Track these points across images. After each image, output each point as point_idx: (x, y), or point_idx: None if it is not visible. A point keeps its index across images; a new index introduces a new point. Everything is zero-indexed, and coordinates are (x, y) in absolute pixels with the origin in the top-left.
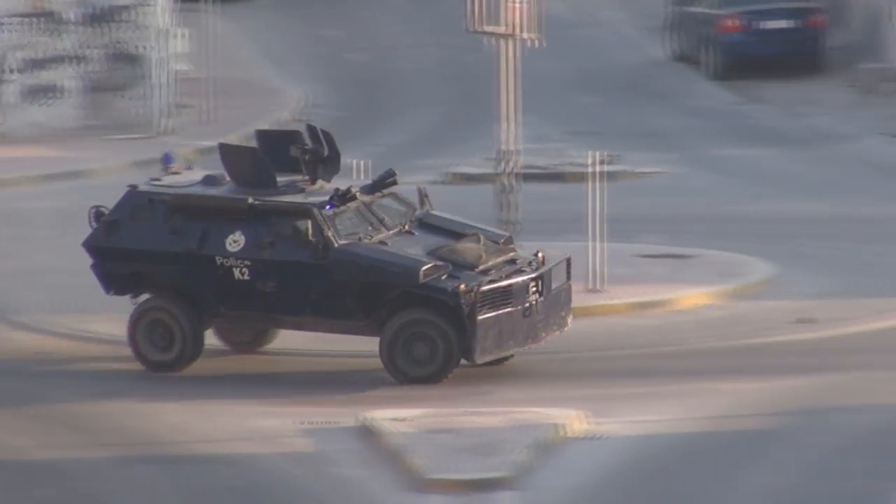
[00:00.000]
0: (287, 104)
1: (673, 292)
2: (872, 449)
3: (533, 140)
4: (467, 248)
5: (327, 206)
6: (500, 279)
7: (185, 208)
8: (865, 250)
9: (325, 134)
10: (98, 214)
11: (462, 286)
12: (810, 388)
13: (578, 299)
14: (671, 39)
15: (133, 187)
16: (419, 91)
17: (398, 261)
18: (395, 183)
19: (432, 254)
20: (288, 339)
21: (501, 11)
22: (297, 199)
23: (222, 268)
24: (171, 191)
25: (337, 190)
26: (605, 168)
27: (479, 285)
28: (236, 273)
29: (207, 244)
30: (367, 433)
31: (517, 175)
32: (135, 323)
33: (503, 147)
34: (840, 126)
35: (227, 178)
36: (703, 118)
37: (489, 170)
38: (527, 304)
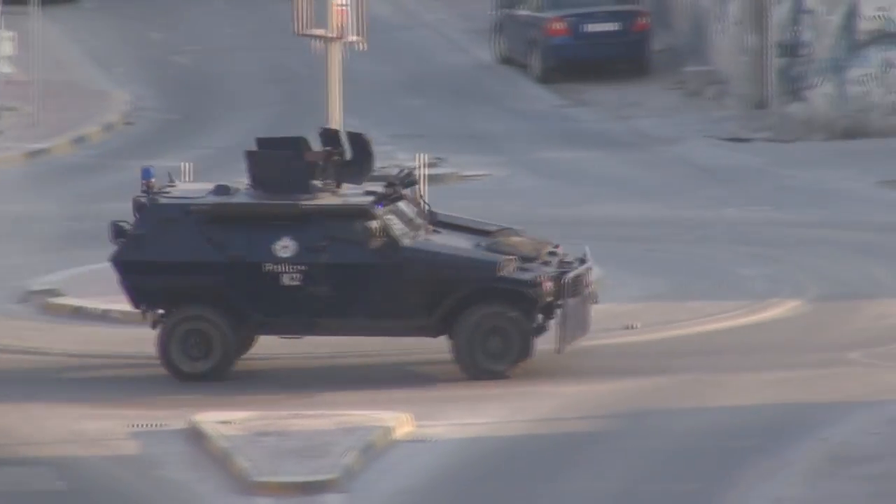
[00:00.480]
0: (114, 107)
1: None
2: (695, 452)
3: None
4: (519, 241)
5: (378, 207)
6: (572, 269)
7: (225, 217)
8: (692, 252)
9: (354, 136)
10: (119, 230)
11: (545, 278)
12: (635, 391)
13: None
14: (498, 42)
15: (146, 200)
16: (247, 94)
17: (474, 256)
18: (415, 182)
19: (488, 248)
20: (115, 344)
21: (328, 14)
22: (351, 200)
23: (269, 274)
24: (209, 200)
25: (374, 191)
26: (431, 170)
27: (565, 275)
28: (285, 279)
29: (253, 252)
30: (195, 436)
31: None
32: (168, 334)
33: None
34: (665, 129)
35: (247, 184)
36: (529, 121)
37: None
38: (590, 293)
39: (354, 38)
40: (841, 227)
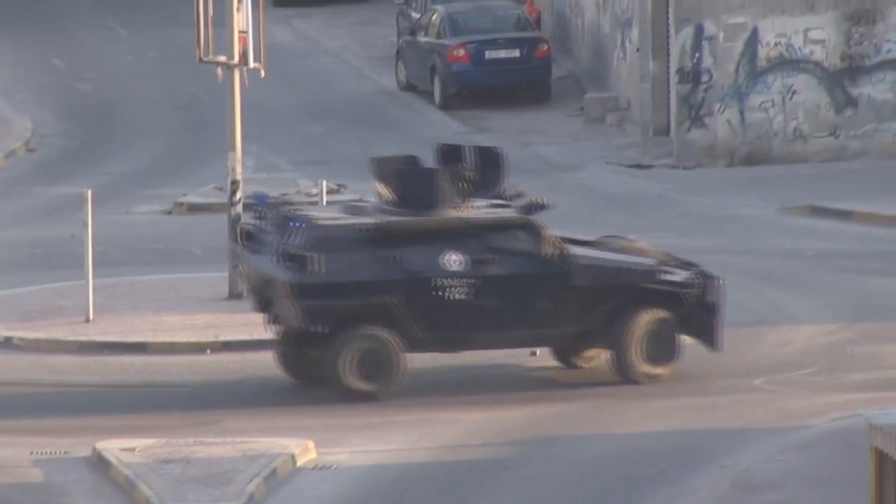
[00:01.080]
0: (15, 133)
1: None
2: (600, 478)
3: (262, 169)
4: (642, 248)
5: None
6: (698, 269)
7: (394, 235)
8: None
9: (485, 151)
10: (288, 255)
11: (698, 278)
12: (540, 418)
13: None
14: (401, 69)
15: (306, 220)
16: (149, 120)
17: (633, 260)
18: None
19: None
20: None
21: (231, 41)
22: (509, 213)
23: (437, 289)
24: (380, 219)
25: (507, 204)
26: (333, 197)
27: (711, 275)
28: (452, 293)
29: (424, 268)
30: (99, 463)
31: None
32: (339, 353)
33: (233, 177)
34: (567, 155)
35: (383, 200)
36: (431, 147)
37: (219, 199)
38: None
39: (255, 64)
40: (743, 253)
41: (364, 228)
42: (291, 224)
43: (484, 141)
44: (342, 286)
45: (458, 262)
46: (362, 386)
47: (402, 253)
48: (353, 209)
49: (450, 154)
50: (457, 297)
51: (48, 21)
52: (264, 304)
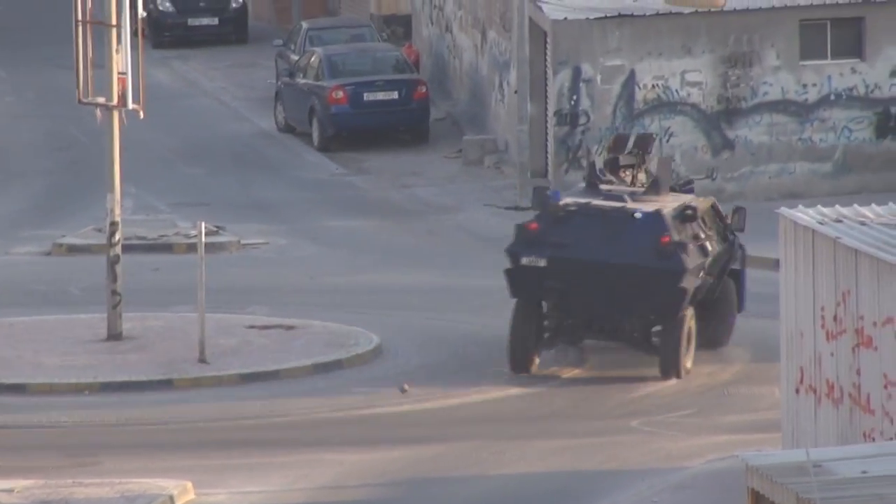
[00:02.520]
0: None
1: (280, 363)
2: None
3: (141, 211)
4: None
5: None
6: None
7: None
8: (472, 321)
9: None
10: (542, 196)
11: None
12: (415, 459)
13: (187, 370)
14: (280, 111)
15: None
16: (26, 162)
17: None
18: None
19: None
20: None
21: (110, 82)
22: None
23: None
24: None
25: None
26: (213, 239)
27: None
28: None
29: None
30: None
31: (125, 246)
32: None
33: (112, 218)
34: (445, 197)
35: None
36: (309, 189)
37: (98, 241)
38: None
39: (134, 105)
40: None
41: (690, 215)
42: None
43: (363, 183)
44: (699, 270)
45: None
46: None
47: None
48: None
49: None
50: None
51: None
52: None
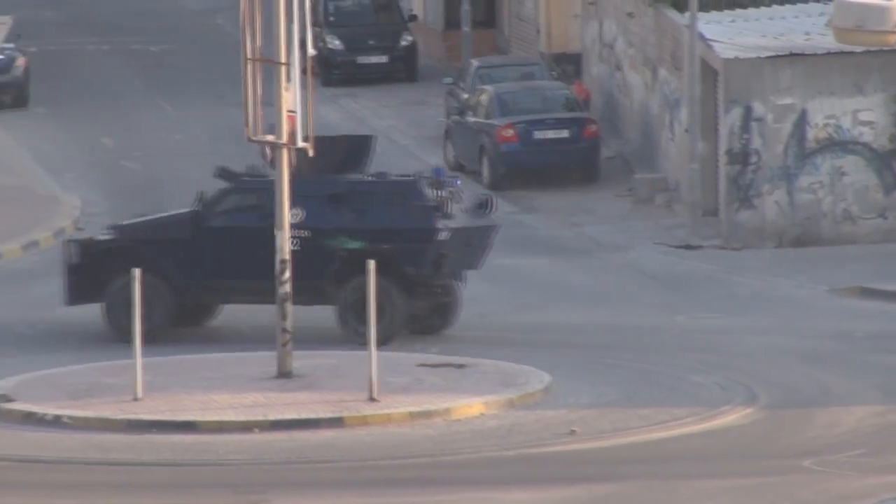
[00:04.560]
0: (64, 212)
1: (450, 401)
2: None
3: None
4: None
5: None
6: None
7: None
8: (643, 360)
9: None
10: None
11: None
12: (586, 499)
13: (357, 408)
14: (450, 149)
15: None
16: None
17: None
18: None
19: None
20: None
21: (279, 120)
22: None
23: None
24: None
25: None
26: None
27: None
28: None
29: None
30: None
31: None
32: None
33: (282, 255)
34: (615, 236)
35: None
36: None
37: None
38: None
39: (304, 143)
40: (792, 334)
41: None
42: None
43: (534, 221)
44: None
45: None
46: None
47: None
48: None
49: None
50: None
51: (99, 100)
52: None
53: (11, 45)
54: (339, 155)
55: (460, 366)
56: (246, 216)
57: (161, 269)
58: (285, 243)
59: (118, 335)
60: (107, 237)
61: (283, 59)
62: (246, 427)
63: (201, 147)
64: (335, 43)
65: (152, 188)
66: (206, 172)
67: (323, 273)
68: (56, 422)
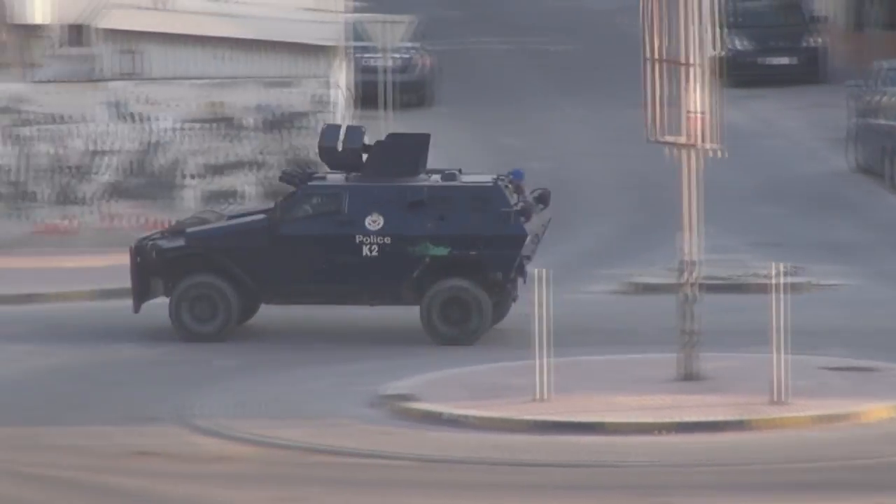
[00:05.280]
0: None
1: (858, 405)
2: None
3: (714, 251)
4: None
5: None
6: None
7: None
8: None
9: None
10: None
11: None
12: None
13: (762, 411)
14: (854, 151)
15: None
16: (600, 200)
17: None
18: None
19: None
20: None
21: (682, 121)
22: None
23: None
24: None
25: None
26: (788, 279)
27: None
28: None
29: None
30: None
31: (699, 285)
32: None
33: (685, 257)
34: None
35: None
36: (886, 231)
37: (671, 280)
38: None
39: (710, 145)
40: None
41: None
42: None
43: None
44: None
45: None
46: None
47: None
48: None
49: None
50: None
51: (500, 100)
52: None
53: (413, 45)
54: (400, 155)
55: (868, 369)
56: (320, 222)
57: (234, 276)
58: (692, 246)
59: (182, 334)
60: (176, 245)
61: (685, 60)
62: (649, 428)
63: (605, 147)
64: (743, 43)
65: (557, 189)
66: (608, 174)
67: (403, 277)
68: (455, 421)
